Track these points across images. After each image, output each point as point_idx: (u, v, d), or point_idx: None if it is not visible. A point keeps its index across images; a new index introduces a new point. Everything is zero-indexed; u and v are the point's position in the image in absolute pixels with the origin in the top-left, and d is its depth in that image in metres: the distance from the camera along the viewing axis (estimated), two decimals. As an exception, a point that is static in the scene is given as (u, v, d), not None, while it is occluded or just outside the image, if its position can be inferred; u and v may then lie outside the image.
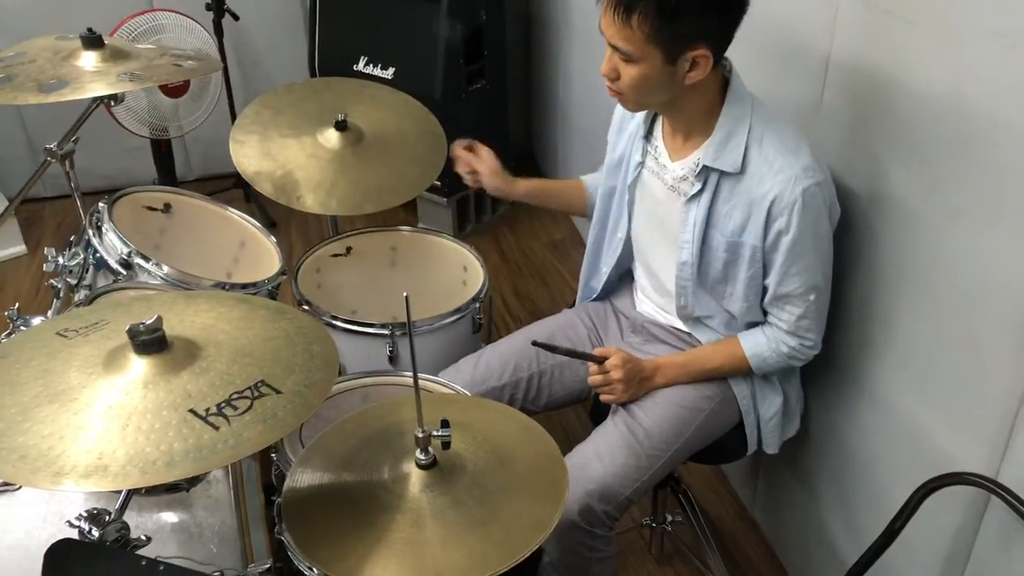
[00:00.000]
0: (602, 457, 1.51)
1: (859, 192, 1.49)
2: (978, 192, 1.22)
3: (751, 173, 1.40)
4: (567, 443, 1.59)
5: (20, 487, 1.33)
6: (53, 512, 1.30)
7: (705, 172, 1.43)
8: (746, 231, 1.43)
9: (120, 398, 0.96)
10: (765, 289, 1.48)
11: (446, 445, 1.11)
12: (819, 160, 1.39)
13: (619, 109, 1.66)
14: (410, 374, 1.11)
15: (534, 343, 1.60)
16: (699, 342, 1.63)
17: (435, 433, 1.10)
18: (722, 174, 1.42)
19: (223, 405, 0.96)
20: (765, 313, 1.53)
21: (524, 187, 1.83)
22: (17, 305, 1.53)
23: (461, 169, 1.85)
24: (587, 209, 1.85)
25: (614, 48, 1.35)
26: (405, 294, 0.99)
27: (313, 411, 0.99)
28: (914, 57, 1.31)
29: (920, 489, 1.29)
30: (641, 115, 1.57)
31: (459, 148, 1.85)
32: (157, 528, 1.35)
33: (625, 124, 1.64)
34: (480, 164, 1.82)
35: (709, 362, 1.58)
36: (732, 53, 1.39)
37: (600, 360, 1.55)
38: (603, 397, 1.58)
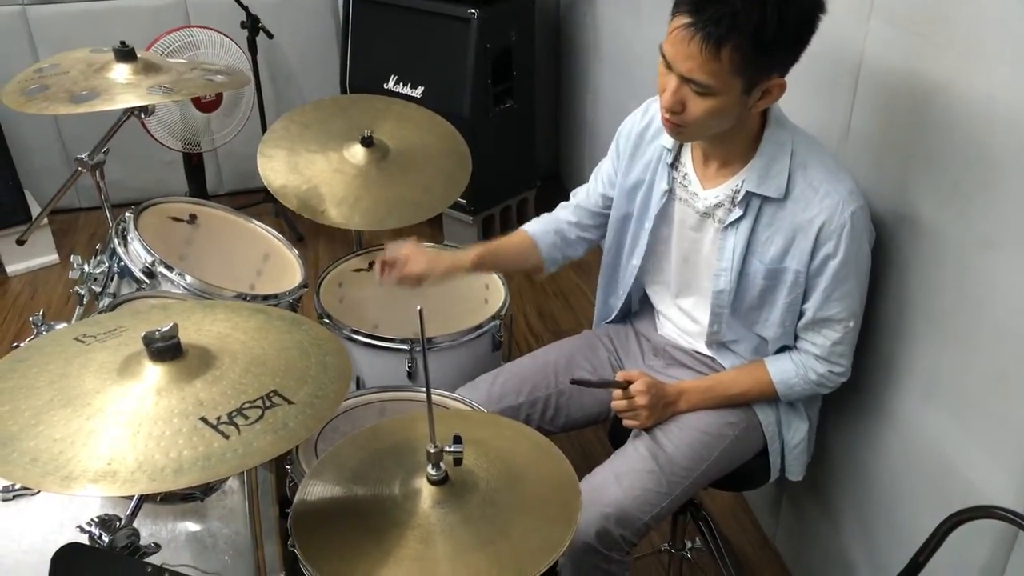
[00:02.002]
0: (621, 480, 1.49)
1: (888, 217, 1.47)
2: (1009, 220, 1.19)
3: (795, 198, 1.38)
4: (586, 464, 1.57)
5: (39, 492, 1.34)
6: (70, 517, 1.31)
7: (747, 198, 1.42)
8: (789, 256, 1.41)
9: (133, 404, 0.96)
10: (801, 313, 1.46)
11: (458, 461, 1.10)
12: (858, 184, 1.38)
13: (630, 132, 1.61)
14: (427, 390, 1.10)
15: (573, 381, 1.53)
16: (722, 367, 1.61)
17: (447, 449, 1.09)
18: (764, 200, 1.41)
19: (234, 414, 0.96)
20: (795, 338, 1.51)
21: (468, 260, 1.68)
22: (42, 311, 1.55)
23: (399, 282, 1.66)
24: (543, 263, 1.74)
25: (687, 80, 1.27)
26: (419, 307, 0.99)
27: (324, 423, 0.99)
28: (944, 80, 1.29)
29: (946, 522, 1.25)
30: (665, 142, 1.53)
31: (379, 266, 1.68)
32: (171, 537, 1.36)
33: (642, 150, 1.59)
34: (409, 268, 1.64)
35: (734, 387, 1.56)
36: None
37: (625, 385, 1.53)
38: (627, 422, 1.56)
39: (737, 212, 1.43)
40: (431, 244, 1.87)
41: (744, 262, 1.46)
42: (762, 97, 1.31)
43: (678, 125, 1.35)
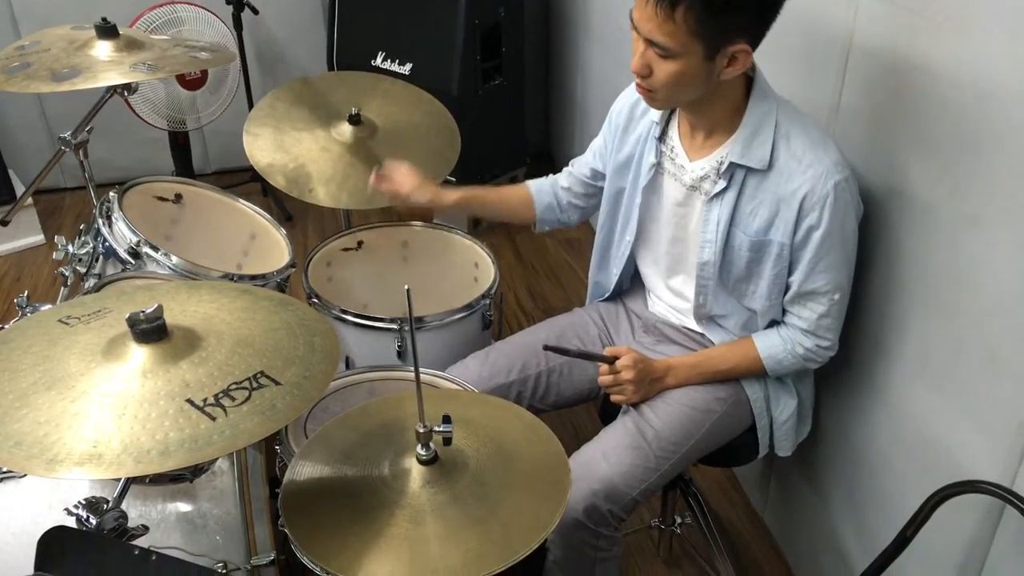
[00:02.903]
0: (609, 457, 1.50)
1: (878, 193, 1.46)
2: (998, 197, 1.19)
3: (779, 170, 1.38)
4: (577, 442, 1.57)
5: (26, 474, 1.33)
6: (59, 499, 1.30)
7: (731, 169, 1.41)
8: (773, 228, 1.41)
9: (118, 386, 0.96)
10: (788, 287, 1.46)
11: (447, 441, 1.10)
12: (844, 156, 1.37)
13: (622, 107, 1.63)
14: (416, 369, 1.09)
15: (546, 347, 1.57)
16: (712, 343, 1.61)
17: (436, 429, 1.08)
18: (748, 171, 1.40)
19: (221, 395, 0.96)
20: (783, 312, 1.51)
21: (454, 196, 1.76)
22: (27, 293, 1.53)
23: (385, 193, 1.79)
24: (533, 219, 1.81)
25: (650, 43, 1.30)
26: (407, 287, 0.98)
27: (312, 404, 0.98)
28: (935, 57, 1.28)
29: (933, 496, 1.26)
30: (654, 116, 1.53)
31: (374, 176, 1.79)
32: (161, 518, 1.35)
33: (633, 125, 1.60)
34: (399, 185, 1.77)
35: (722, 363, 1.56)
36: (751, 52, 1.37)
37: (611, 360, 1.53)
38: (613, 398, 1.56)
39: (721, 184, 1.43)
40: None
41: (729, 234, 1.45)
42: (729, 64, 1.31)
43: (648, 90, 1.36)
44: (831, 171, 1.34)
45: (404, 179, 1.78)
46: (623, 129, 1.62)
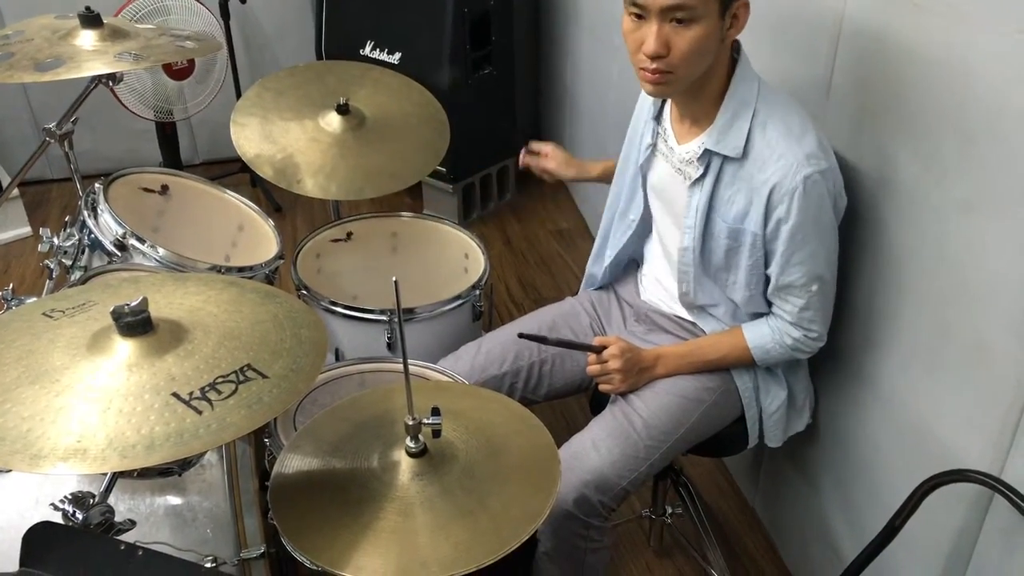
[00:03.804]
0: (598, 447, 1.49)
1: (867, 181, 1.46)
2: (987, 184, 1.19)
3: (753, 158, 1.37)
4: (569, 433, 1.57)
5: (11, 469, 1.32)
6: (46, 494, 1.29)
7: (707, 156, 1.41)
8: (747, 217, 1.40)
9: (103, 380, 0.94)
10: (768, 279, 1.46)
11: (436, 433, 1.09)
12: (825, 147, 1.36)
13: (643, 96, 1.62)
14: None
15: (520, 335, 1.56)
16: (703, 332, 1.61)
17: (425, 421, 1.08)
18: (725, 159, 1.40)
19: (207, 389, 0.95)
20: (769, 304, 1.51)
21: (597, 170, 1.87)
22: (12, 285, 1.52)
23: (536, 170, 1.92)
24: None
25: (669, 12, 1.26)
26: (394, 278, 0.97)
27: (300, 396, 0.97)
28: (924, 42, 1.28)
29: (922, 486, 1.27)
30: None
31: (525, 157, 1.91)
32: (150, 512, 1.35)
33: (643, 107, 1.61)
34: (549, 162, 1.88)
35: (711, 352, 1.56)
36: (741, 35, 1.36)
37: (598, 350, 1.53)
38: (602, 387, 1.56)
39: (700, 169, 1.42)
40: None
41: (708, 220, 1.45)
42: (731, 25, 1.31)
43: (665, 72, 1.31)
44: (803, 164, 1.31)
45: (552, 158, 1.88)
46: (637, 112, 1.64)
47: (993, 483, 1.19)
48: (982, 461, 1.25)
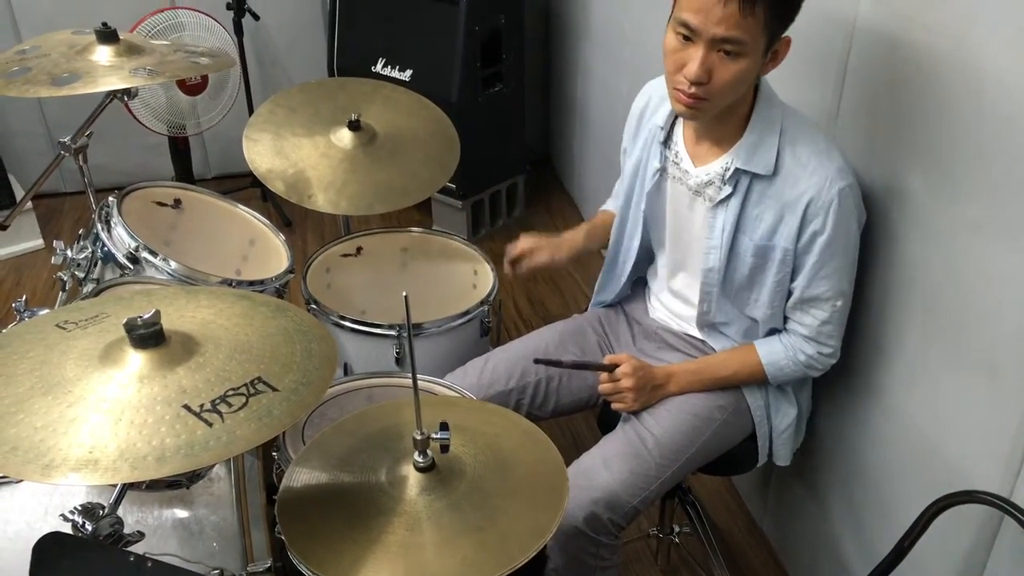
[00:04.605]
0: (609, 465, 1.49)
1: (877, 201, 1.46)
2: (998, 205, 1.19)
3: (784, 175, 1.38)
4: (576, 450, 1.57)
5: (22, 479, 1.33)
6: (55, 505, 1.30)
7: (736, 175, 1.41)
8: (777, 234, 1.41)
9: (115, 392, 0.95)
10: (790, 293, 1.46)
11: (445, 448, 1.10)
12: (849, 164, 1.38)
13: (633, 113, 1.63)
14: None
15: (536, 360, 1.57)
16: (713, 350, 1.61)
17: (434, 436, 1.08)
18: (753, 177, 1.40)
19: (218, 401, 0.95)
20: (784, 320, 1.51)
21: (582, 236, 1.79)
22: (24, 297, 1.53)
23: (531, 271, 1.80)
24: None
25: (719, 44, 1.25)
26: (404, 294, 0.97)
27: (309, 410, 0.98)
28: (934, 64, 1.28)
29: (931, 507, 1.26)
30: (659, 120, 1.53)
31: (510, 266, 1.79)
32: (157, 524, 1.35)
33: (640, 130, 1.61)
34: (540, 257, 1.76)
35: (723, 369, 1.56)
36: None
37: (610, 368, 1.53)
38: (614, 406, 1.56)
39: (727, 190, 1.43)
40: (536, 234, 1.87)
41: (734, 240, 1.45)
42: (771, 59, 1.32)
43: (701, 99, 1.31)
44: (836, 177, 1.34)
45: (538, 252, 1.76)
46: (634, 135, 1.63)
47: (1003, 505, 1.18)
48: (991, 482, 1.25)
